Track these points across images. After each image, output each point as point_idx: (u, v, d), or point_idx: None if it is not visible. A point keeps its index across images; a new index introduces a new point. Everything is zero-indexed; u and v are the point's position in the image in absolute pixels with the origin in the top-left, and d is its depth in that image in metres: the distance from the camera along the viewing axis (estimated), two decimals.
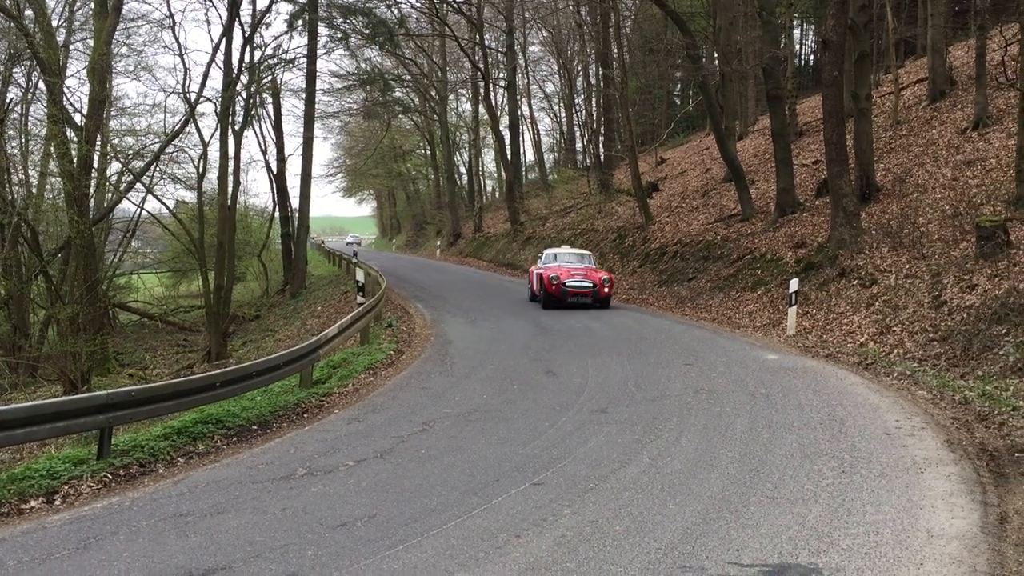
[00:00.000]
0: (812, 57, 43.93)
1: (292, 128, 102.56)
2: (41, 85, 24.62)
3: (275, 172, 35.67)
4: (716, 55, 30.33)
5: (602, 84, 38.86)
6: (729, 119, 30.06)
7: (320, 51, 31.43)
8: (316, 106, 34.12)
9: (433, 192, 63.44)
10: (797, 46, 41.77)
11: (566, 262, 22.00)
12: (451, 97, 54.39)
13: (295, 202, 35.12)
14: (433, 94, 48.64)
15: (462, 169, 61.21)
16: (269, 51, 30.86)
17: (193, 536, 5.93)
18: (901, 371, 11.71)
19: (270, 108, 35.91)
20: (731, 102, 31.51)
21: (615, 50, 33.17)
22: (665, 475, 7.20)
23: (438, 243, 51.74)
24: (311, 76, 31.20)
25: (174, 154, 29.11)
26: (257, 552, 5.54)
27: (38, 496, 7.30)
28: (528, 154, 58.92)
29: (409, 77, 46.05)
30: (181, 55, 52.37)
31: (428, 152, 61.59)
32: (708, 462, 7.58)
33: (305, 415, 10.68)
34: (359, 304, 18.62)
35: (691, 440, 8.42)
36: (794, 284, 15.99)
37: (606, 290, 20.74)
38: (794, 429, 8.74)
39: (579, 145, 53.28)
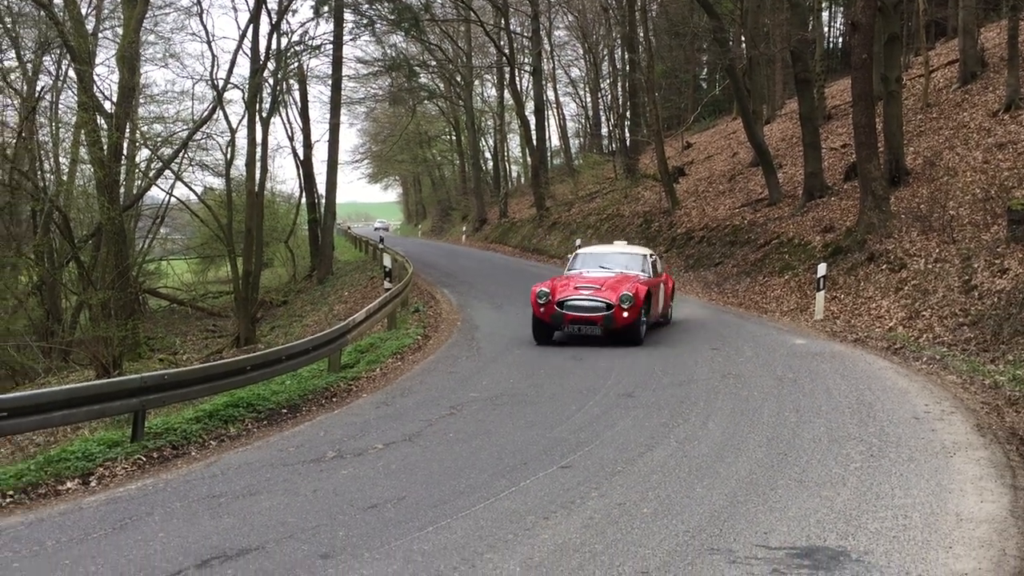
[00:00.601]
0: (841, 40, 43.45)
1: (318, 115, 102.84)
2: (71, 73, 24.85)
3: (302, 158, 35.84)
4: (743, 38, 30.10)
5: (628, 68, 38.70)
6: (756, 103, 29.84)
7: (346, 37, 31.48)
8: (342, 92, 34.25)
9: (458, 178, 63.45)
10: (826, 28, 41.31)
11: (600, 269, 15.01)
12: (476, 82, 54.30)
13: (322, 188, 35.33)
14: (458, 79, 48.59)
15: (487, 155, 61.19)
16: (296, 37, 30.92)
17: (226, 517, 6.03)
18: (930, 355, 11.63)
19: (297, 95, 36.06)
20: (758, 86, 31.25)
21: (641, 34, 32.99)
22: (692, 458, 7.22)
23: (464, 229, 51.79)
24: (337, 62, 31.29)
25: (202, 141, 29.29)
26: (289, 533, 5.63)
27: (74, 478, 7.43)
28: (554, 139, 58.82)
29: (434, 63, 46.02)
30: (208, 42, 52.68)
31: (453, 138, 61.58)
32: (735, 446, 7.59)
33: (334, 399, 10.79)
34: (386, 289, 18.72)
35: (718, 424, 8.43)
36: (822, 269, 15.89)
37: (625, 314, 13.22)
38: (822, 413, 8.73)
39: (605, 130, 53.10)
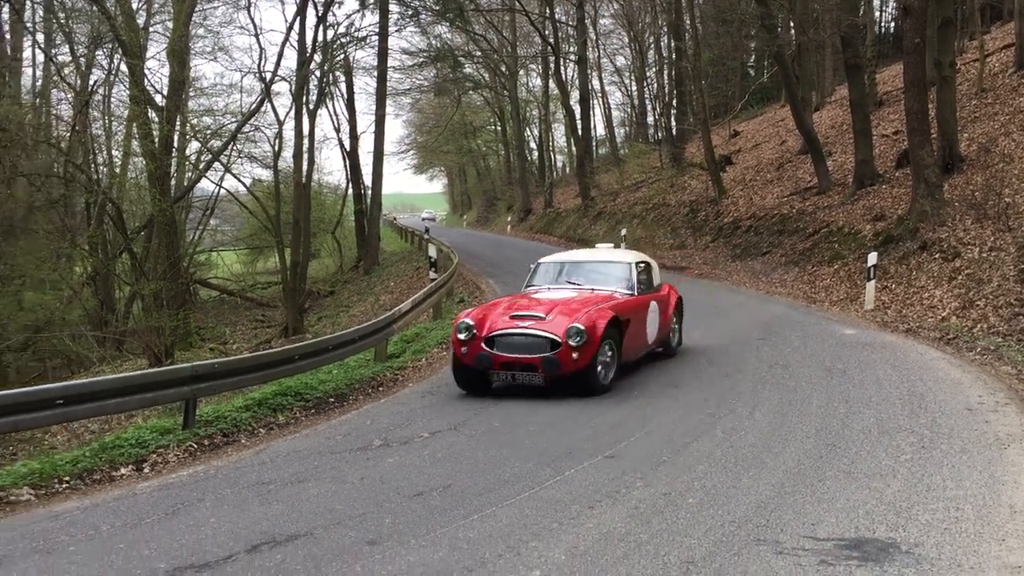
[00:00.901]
0: (892, 24, 42.62)
1: (364, 106, 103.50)
2: (123, 67, 25.29)
3: (348, 150, 36.13)
4: (792, 24, 29.65)
5: (674, 56, 38.32)
6: (805, 90, 29.39)
7: (391, 28, 31.50)
8: (387, 83, 34.37)
9: (503, 168, 63.47)
10: (877, 13, 40.57)
11: (567, 285, 11.06)
12: (521, 72, 54.19)
13: (368, 179, 35.55)
14: (503, 69, 48.54)
15: (532, 145, 61.11)
16: (342, 29, 31.02)
17: (275, 503, 6.12)
18: (984, 346, 11.39)
19: (343, 86, 36.34)
20: (807, 72, 30.79)
21: (687, 21, 32.69)
22: (738, 449, 7.17)
23: (508, 219, 51.80)
24: (382, 54, 31.42)
25: (250, 133, 29.66)
26: (337, 520, 5.69)
27: (128, 464, 7.59)
28: (599, 128, 58.50)
29: (479, 53, 46.03)
30: (256, 35, 53.27)
31: (498, 128, 61.58)
32: (783, 436, 7.51)
33: (380, 388, 10.88)
34: (431, 279, 18.81)
35: (765, 415, 8.35)
36: (872, 258, 15.64)
37: (575, 355, 9.22)
38: (872, 404, 8.60)
39: (650, 119, 52.70)
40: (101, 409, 8.01)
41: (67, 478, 7.16)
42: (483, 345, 9.53)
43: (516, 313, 9.81)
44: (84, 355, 21.39)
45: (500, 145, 63.46)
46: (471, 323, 9.69)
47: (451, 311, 17.27)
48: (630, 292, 10.73)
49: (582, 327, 9.22)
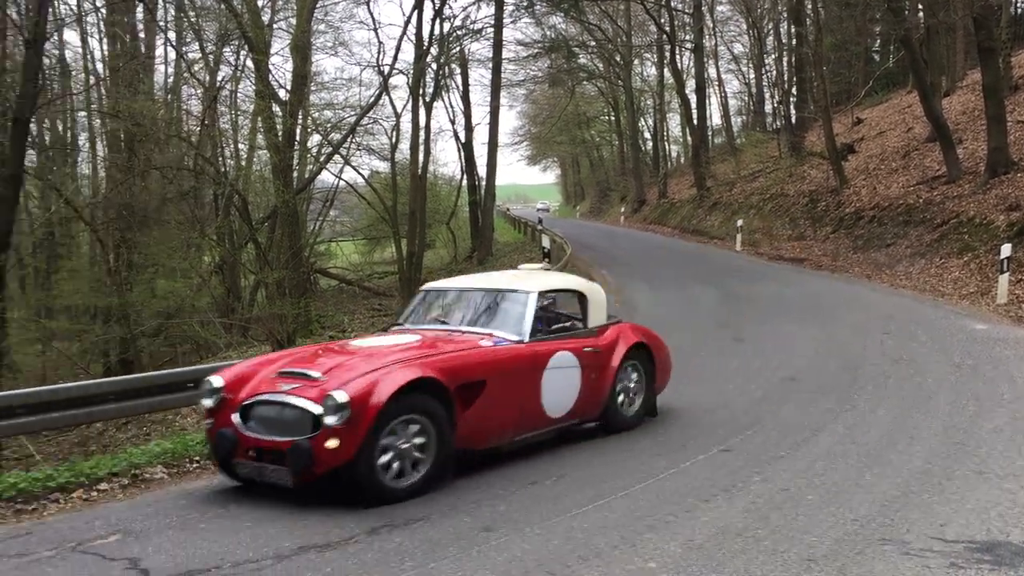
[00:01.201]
0: None
1: (478, 97, 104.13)
2: (248, 64, 26.14)
3: (463, 141, 36.51)
4: (920, 6, 28.45)
5: (794, 42, 37.27)
6: (934, 74, 28.15)
7: (506, 20, 31.65)
8: (502, 75, 34.58)
9: (617, 158, 63.07)
10: None
11: (435, 325, 7.73)
12: (636, 62, 53.63)
13: (482, 170, 35.90)
14: (618, 59, 48.18)
15: (646, 134, 60.48)
16: (458, 22, 31.34)
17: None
18: None
19: (458, 79, 36.73)
20: (936, 56, 29.47)
21: (809, 5, 31.72)
22: (861, 446, 6.96)
23: (622, 209, 51.48)
24: (497, 45, 31.60)
25: (368, 126, 30.25)
26: (452, 505, 5.80)
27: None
28: (715, 118, 57.44)
29: (593, 43, 45.78)
30: (375, 29, 54.07)
31: (612, 118, 61.18)
32: (908, 434, 7.26)
33: None
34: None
35: (889, 411, 8.08)
36: (1006, 250, 14.88)
37: (331, 443, 5.74)
38: (1004, 403, 8.21)
39: (768, 107, 51.39)
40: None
41: (197, 458, 7.51)
42: (233, 417, 6.22)
43: (287, 369, 6.43)
44: (212, 340, 22.28)
45: (614, 135, 63.05)
46: (218, 384, 6.41)
47: None
48: (517, 338, 7.10)
49: (344, 397, 5.73)
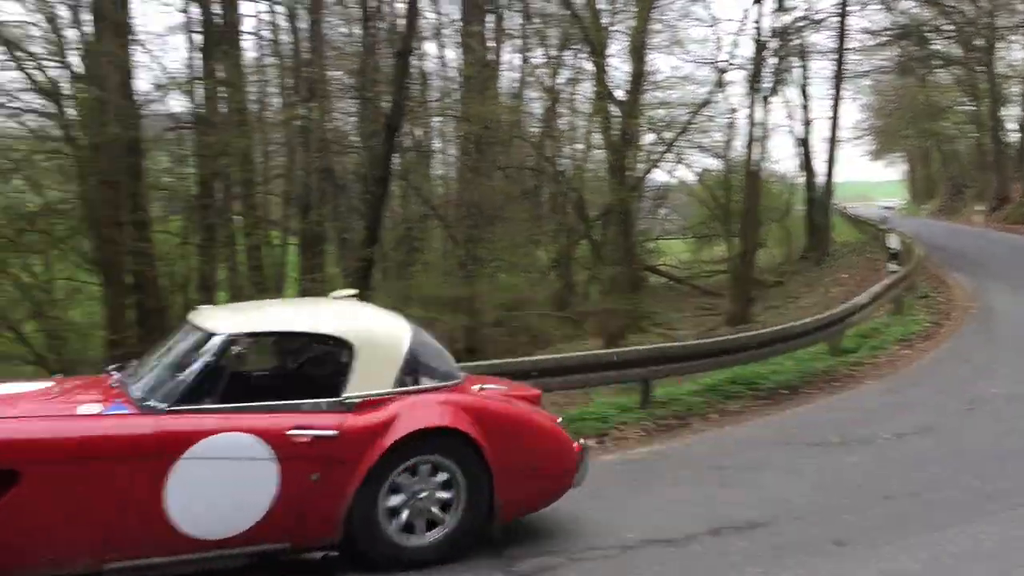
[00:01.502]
0: None
1: (817, 91, 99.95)
2: (586, 66, 26.90)
3: (800, 137, 35.14)
4: None
5: None
6: None
7: (853, 6, 29.97)
8: (844, 65, 32.80)
9: (974, 152, 57.53)
10: None
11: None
12: (1000, 45, 48.53)
13: (818, 166, 34.38)
14: (978, 43, 43.85)
15: (1009, 125, 54.52)
16: (799, 13, 30.14)
17: (733, 488, 6.18)
18: None
19: (796, 72, 35.35)
20: None
21: None
22: None
23: (977, 208, 47.03)
24: (841, 35, 30.04)
25: (701, 123, 30.03)
26: (796, 513, 5.60)
27: (591, 436, 8.12)
28: None
29: (952, 27, 42.03)
30: (711, 26, 53.54)
31: (973, 107, 55.84)
32: None
33: (834, 383, 10.47)
34: (890, 272, 17.66)
35: None
36: None
37: None
38: None
39: None
40: (566, 383, 8.70)
41: None
42: None
43: None
44: (547, 333, 23.25)
45: (970, 127, 57.53)
46: None
47: (912, 306, 16.09)
48: (151, 403, 4.48)
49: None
